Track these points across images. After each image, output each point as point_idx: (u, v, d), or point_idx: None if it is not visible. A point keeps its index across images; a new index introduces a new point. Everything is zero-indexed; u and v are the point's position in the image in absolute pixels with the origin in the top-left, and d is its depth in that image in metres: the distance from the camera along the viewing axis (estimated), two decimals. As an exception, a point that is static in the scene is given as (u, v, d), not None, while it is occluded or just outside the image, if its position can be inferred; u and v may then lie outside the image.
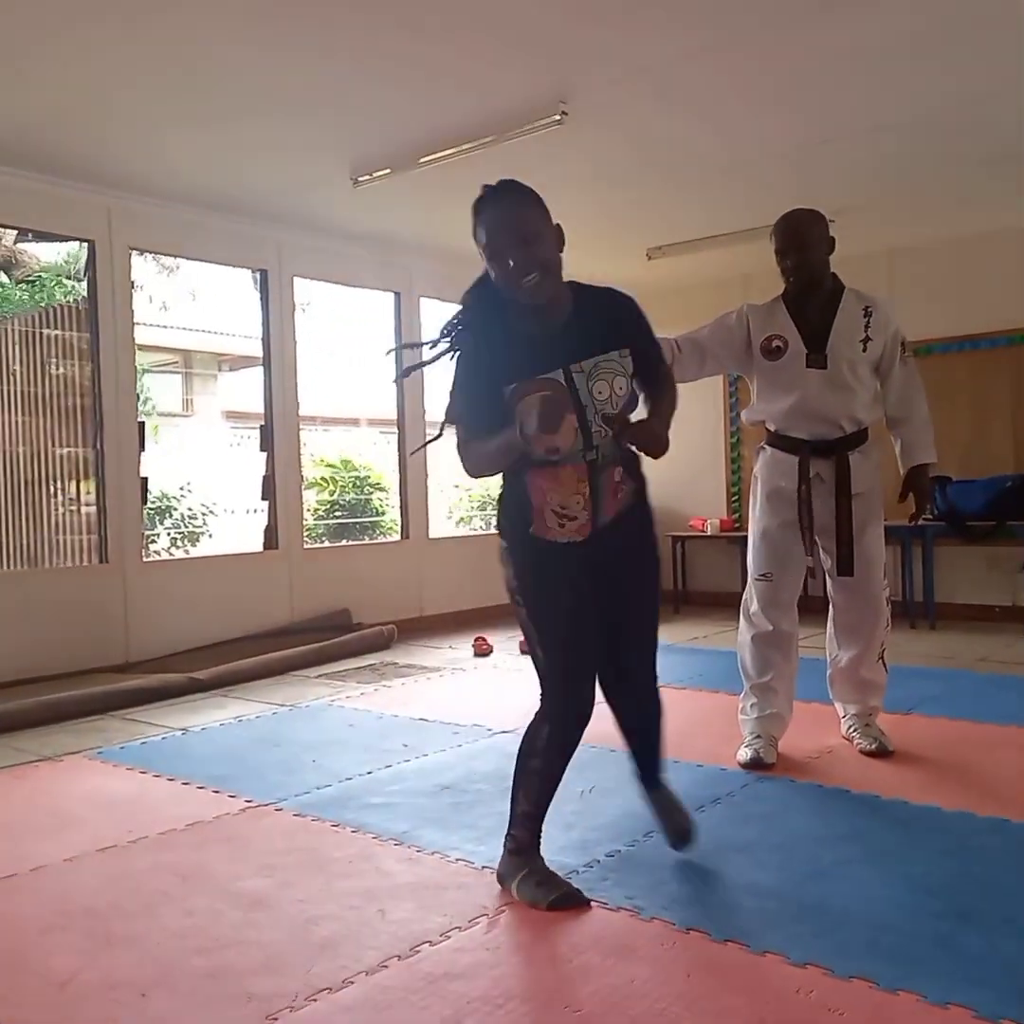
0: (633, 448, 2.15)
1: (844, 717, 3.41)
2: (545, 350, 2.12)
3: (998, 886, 2.21)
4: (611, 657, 2.28)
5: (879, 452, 3.25)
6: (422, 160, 4.66)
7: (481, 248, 2.09)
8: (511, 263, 2.04)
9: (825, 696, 3.48)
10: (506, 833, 2.28)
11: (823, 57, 3.76)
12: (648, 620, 2.33)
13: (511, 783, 2.28)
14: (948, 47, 3.69)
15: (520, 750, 2.25)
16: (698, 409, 7.07)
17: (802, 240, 3.11)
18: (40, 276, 5.92)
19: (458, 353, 2.16)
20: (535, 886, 2.17)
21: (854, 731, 3.34)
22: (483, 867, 2.38)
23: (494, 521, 2.34)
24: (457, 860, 2.44)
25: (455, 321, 2.16)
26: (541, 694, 2.21)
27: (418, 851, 2.52)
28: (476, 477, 2.33)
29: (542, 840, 2.26)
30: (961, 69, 3.88)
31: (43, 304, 5.65)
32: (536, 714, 2.23)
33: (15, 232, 5.49)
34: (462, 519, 8.99)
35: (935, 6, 3.38)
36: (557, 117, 4.15)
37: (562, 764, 2.23)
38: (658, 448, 2.09)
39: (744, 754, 3.18)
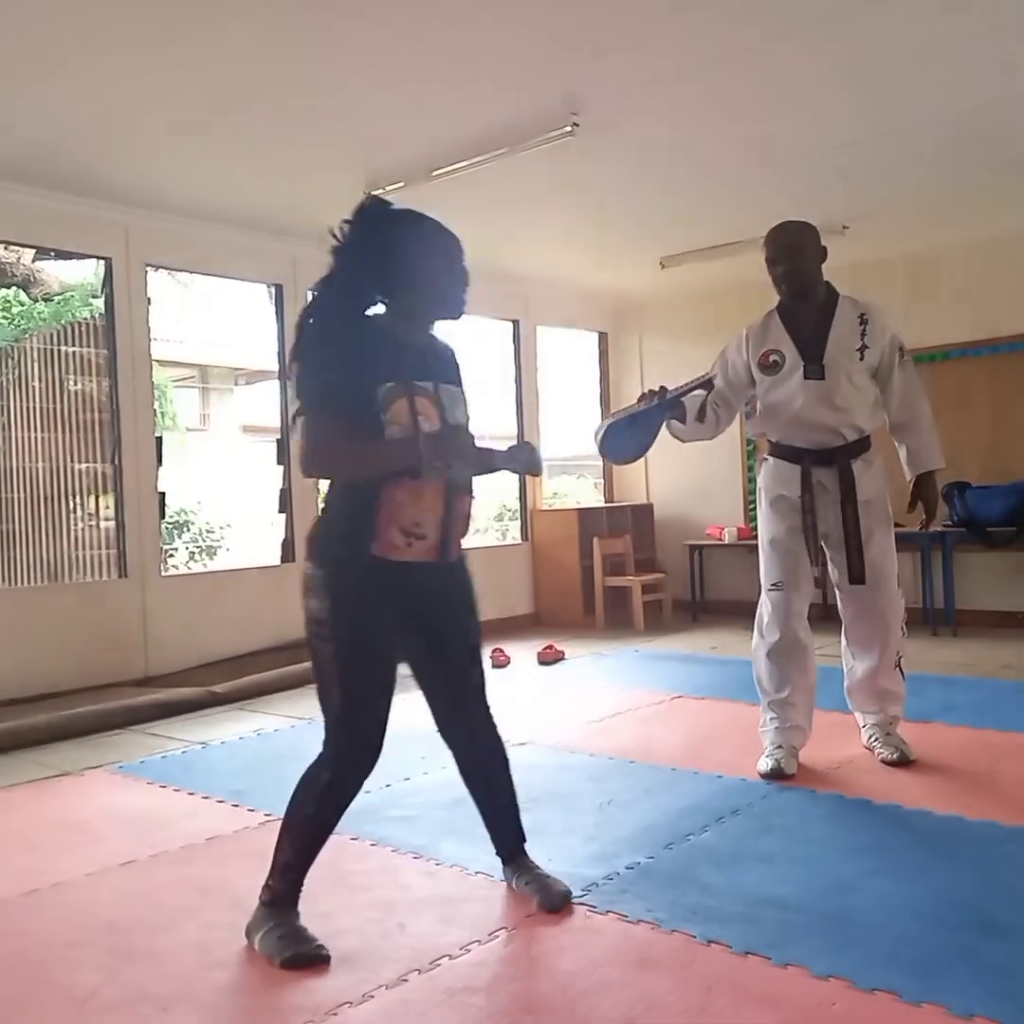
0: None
1: (864, 727, 3.39)
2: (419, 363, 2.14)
3: (1023, 896, 2.19)
4: (448, 689, 2.24)
5: (883, 459, 3.24)
6: (435, 173, 4.68)
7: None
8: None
9: (845, 705, 3.45)
10: (263, 884, 2.11)
11: (834, 64, 3.76)
12: (480, 656, 2.28)
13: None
14: (965, 51, 3.68)
15: (293, 796, 2.09)
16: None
17: (792, 248, 3.13)
18: (69, 296, 5.97)
19: (337, 338, 2.13)
20: (276, 940, 2.01)
21: (875, 741, 3.31)
22: (502, 880, 2.38)
23: (316, 546, 2.08)
24: (476, 873, 2.44)
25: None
26: (327, 739, 2.08)
27: (437, 864, 2.52)
28: (320, 477, 2.26)
29: (301, 895, 2.10)
30: (978, 73, 3.87)
31: (64, 321, 5.70)
32: (318, 758, 2.08)
33: (33, 251, 5.54)
34: (476, 530, 9.00)
35: (952, 11, 3.37)
36: (568, 128, 4.16)
37: (337, 817, 2.09)
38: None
39: (764, 764, 3.16)
